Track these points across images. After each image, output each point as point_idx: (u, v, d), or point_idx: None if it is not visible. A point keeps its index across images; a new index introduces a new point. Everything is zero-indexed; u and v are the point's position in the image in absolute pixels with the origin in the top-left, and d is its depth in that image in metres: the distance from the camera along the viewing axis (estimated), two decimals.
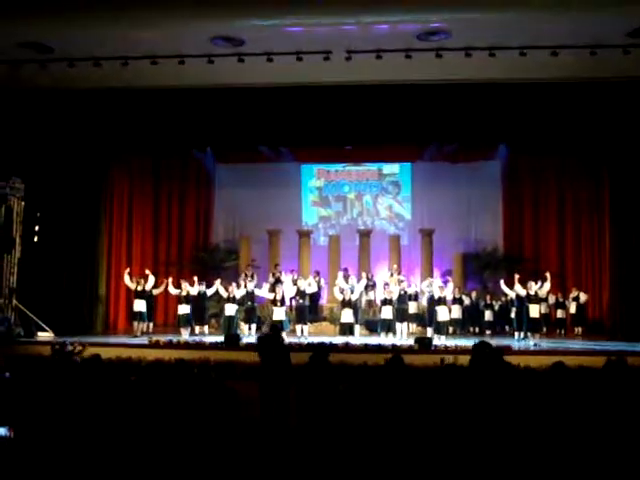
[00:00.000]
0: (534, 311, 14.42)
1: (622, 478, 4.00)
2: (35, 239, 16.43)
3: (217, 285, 15.76)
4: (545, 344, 14.20)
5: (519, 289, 14.66)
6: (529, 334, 14.65)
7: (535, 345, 13.92)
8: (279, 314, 15.11)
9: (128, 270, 16.37)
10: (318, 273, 17.58)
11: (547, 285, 14.71)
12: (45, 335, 14.77)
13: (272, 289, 15.89)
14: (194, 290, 15.81)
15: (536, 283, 14.61)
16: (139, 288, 15.68)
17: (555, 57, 12.81)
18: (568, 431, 4.36)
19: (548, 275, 14.81)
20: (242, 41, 12.92)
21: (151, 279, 15.84)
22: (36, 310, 15.29)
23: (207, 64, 13.53)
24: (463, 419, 4.50)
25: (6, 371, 6.88)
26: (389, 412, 4.70)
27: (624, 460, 4.08)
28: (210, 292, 16.03)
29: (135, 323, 15.70)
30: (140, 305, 15.60)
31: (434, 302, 15.27)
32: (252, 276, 17.36)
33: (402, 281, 16.23)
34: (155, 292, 16.14)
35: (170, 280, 16.07)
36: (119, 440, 4.49)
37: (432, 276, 18.38)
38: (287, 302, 15.74)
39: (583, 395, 4.86)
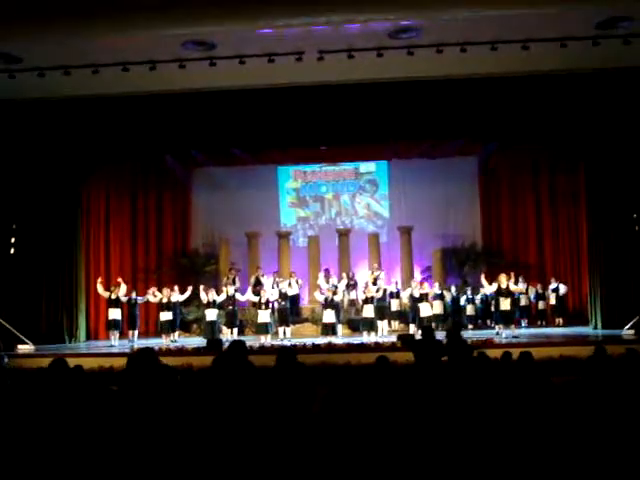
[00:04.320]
0: (505, 304, 14.65)
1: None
2: (12, 251, 16.28)
3: (200, 291, 15.70)
4: (525, 336, 14.39)
5: (486, 284, 15.16)
6: (500, 326, 14.84)
7: (515, 337, 14.10)
8: (264, 317, 15.11)
9: (100, 280, 16.27)
10: (292, 274, 17.45)
11: (521, 286, 15.22)
12: (25, 348, 14.63)
13: (256, 292, 15.90)
14: (175, 297, 15.79)
15: (508, 277, 14.87)
16: (112, 296, 15.62)
17: (526, 50, 12.88)
18: (540, 421, 4.38)
19: (521, 279, 15.92)
20: (213, 45, 12.86)
21: (123, 287, 15.78)
22: (15, 323, 15.14)
23: (179, 69, 13.45)
24: (446, 415, 4.50)
25: None
26: (376, 412, 4.69)
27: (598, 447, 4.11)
28: (182, 298, 16.01)
29: (111, 332, 15.65)
30: (114, 313, 15.55)
31: (416, 299, 15.40)
32: (234, 280, 17.32)
33: (380, 279, 16.31)
34: (140, 301, 16.14)
35: (151, 290, 16.14)
36: (104, 451, 4.45)
37: (412, 274, 18.54)
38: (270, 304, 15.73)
39: (550, 384, 4.89)
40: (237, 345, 6.52)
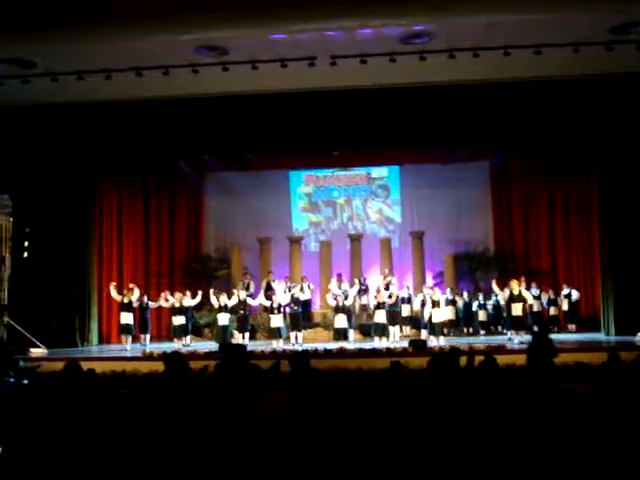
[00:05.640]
0: (516, 310, 14.65)
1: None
2: (25, 255, 16.35)
3: (210, 295, 15.74)
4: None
5: (498, 290, 15.26)
6: (512, 332, 14.85)
7: (521, 343, 14.01)
8: (276, 321, 15.13)
9: (114, 284, 16.34)
10: (303, 279, 17.47)
11: (533, 292, 15.28)
12: (38, 351, 14.70)
13: (268, 296, 15.92)
14: (187, 302, 15.86)
15: (519, 283, 14.90)
16: (125, 301, 15.68)
17: (539, 56, 12.84)
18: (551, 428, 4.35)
19: (534, 285, 16.78)
20: (226, 50, 12.89)
21: (136, 292, 15.82)
22: (28, 326, 15.21)
23: (192, 74, 13.50)
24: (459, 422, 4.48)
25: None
26: (388, 418, 4.68)
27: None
28: (193, 303, 16.14)
29: (123, 336, 15.71)
30: (126, 318, 15.60)
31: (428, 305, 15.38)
32: (248, 286, 17.34)
33: (393, 284, 16.28)
34: (152, 306, 16.19)
35: (163, 295, 16.20)
36: (115, 455, 4.46)
37: (424, 279, 18.51)
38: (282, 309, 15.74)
39: (563, 390, 4.86)
40: (237, 349, 6.56)
